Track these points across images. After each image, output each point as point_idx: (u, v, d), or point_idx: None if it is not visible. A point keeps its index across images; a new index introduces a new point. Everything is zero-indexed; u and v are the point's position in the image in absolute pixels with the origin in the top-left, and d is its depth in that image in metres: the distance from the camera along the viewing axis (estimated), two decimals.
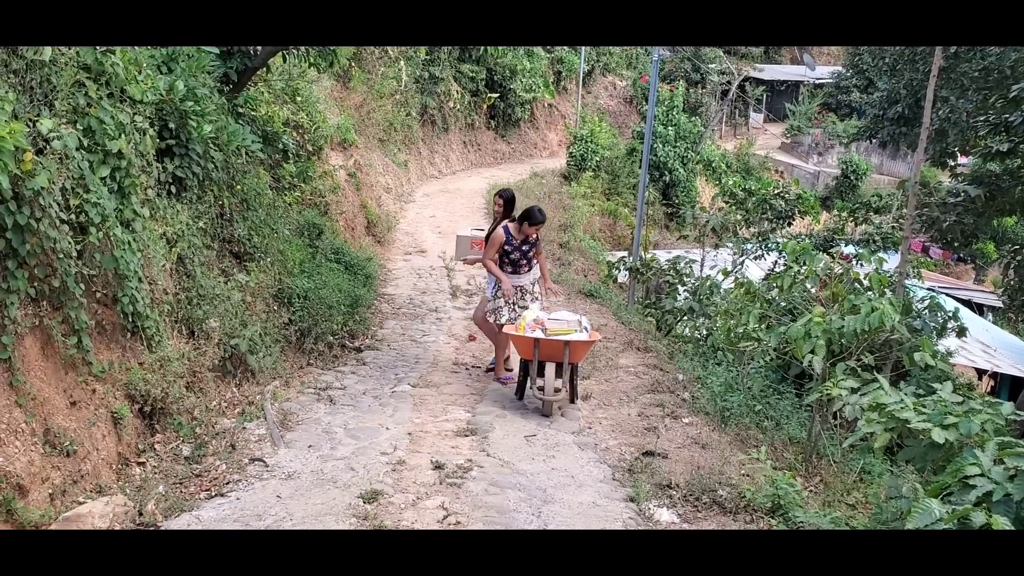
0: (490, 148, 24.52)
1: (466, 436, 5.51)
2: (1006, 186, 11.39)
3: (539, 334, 6.15)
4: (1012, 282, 13.64)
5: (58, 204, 4.06)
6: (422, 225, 15.95)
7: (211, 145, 6.28)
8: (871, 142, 18.24)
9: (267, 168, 9.66)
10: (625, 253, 13.13)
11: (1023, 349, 14.90)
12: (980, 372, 14.21)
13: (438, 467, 4.82)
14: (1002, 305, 15.87)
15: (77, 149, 4.18)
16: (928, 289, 13.46)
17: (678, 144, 22.48)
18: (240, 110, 8.39)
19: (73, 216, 4.26)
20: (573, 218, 17.76)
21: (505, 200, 7.15)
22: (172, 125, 5.80)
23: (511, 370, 7.19)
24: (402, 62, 18.96)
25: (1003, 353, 14.15)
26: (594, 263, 15.72)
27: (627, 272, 11.10)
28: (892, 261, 11.05)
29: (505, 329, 6.42)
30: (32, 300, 4.06)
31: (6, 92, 3.70)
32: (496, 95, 23.23)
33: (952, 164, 14.98)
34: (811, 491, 5.26)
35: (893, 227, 14.10)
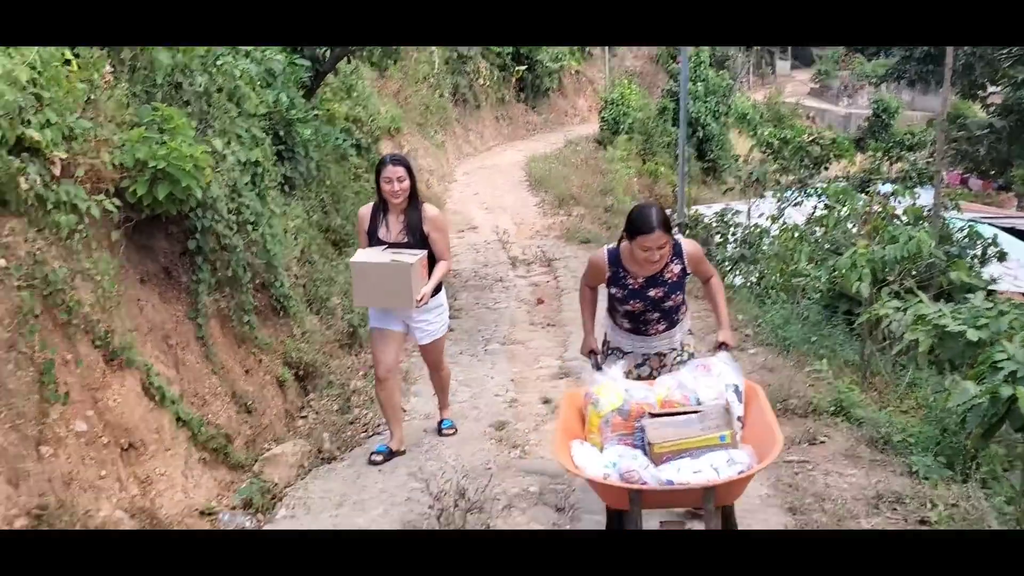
0: (522, 120, 25.13)
1: (562, 378, 6.34)
2: None
3: (639, 473, 2.94)
4: None
5: (227, 208, 4.96)
6: (468, 203, 16.71)
7: (310, 147, 7.17)
8: (900, 81, 18.56)
9: (336, 162, 10.56)
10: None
11: None
12: None
13: (547, 402, 5.68)
14: None
15: (238, 162, 5.08)
16: (969, 221, 13.90)
17: (708, 99, 22.91)
18: (316, 112, 9.26)
19: (233, 217, 5.16)
20: (613, 182, 18.41)
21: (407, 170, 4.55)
22: (281, 133, 6.68)
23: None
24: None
25: None
26: None
27: (676, 228, 11.80)
28: (929, 196, 11.55)
29: (575, 459, 3.09)
30: (213, 288, 4.98)
31: (184, 119, 4.57)
32: (524, 67, 23.79)
33: (983, 95, 15.34)
34: (868, 401, 6.03)
35: (928, 162, 14.55)
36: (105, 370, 3.90)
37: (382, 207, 4.57)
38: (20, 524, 3.30)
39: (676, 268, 3.74)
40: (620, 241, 3.72)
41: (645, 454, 3.09)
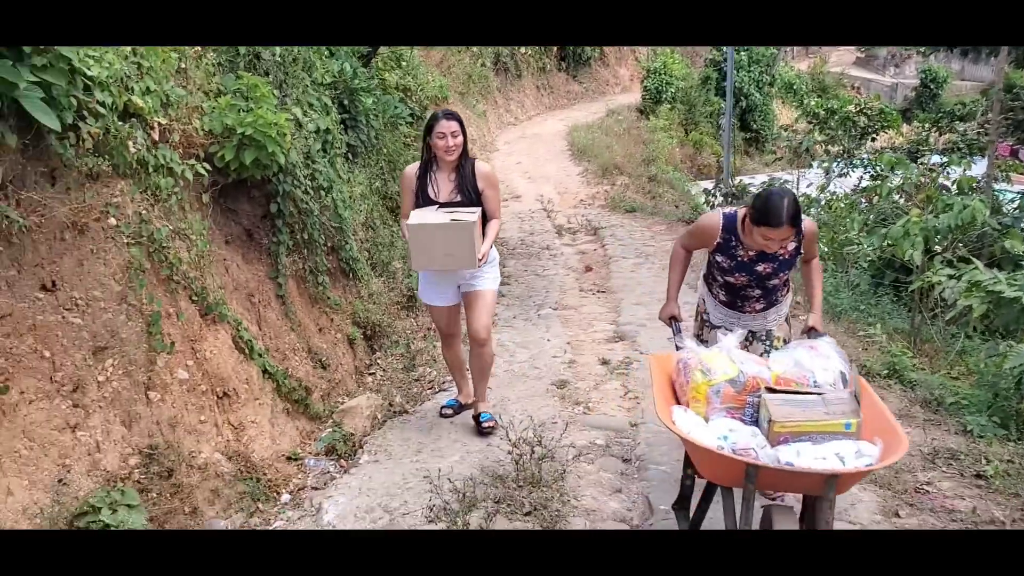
0: (563, 90, 25.12)
1: (617, 341, 6.54)
2: None
3: (756, 452, 2.78)
4: None
5: (303, 174, 5.20)
6: (510, 172, 16.84)
7: (371, 116, 7.38)
8: (952, 51, 18.21)
9: (389, 131, 10.79)
10: (710, 183, 13.84)
11: None
12: None
13: (604, 362, 5.89)
14: None
15: (315, 130, 5.31)
16: (1020, 192, 13.75)
17: (752, 68, 22.68)
18: (375, 81, 9.46)
19: (309, 183, 5.40)
20: (655, 152, 18.41)
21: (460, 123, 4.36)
22: (345, 102, 6.90)
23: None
24: None
25: None
26: (682, 193, 16.45)
27: (722, 198, 11.87)
28: (978, 167, 11.44)
29: (677, 425, 2.93)
30: (291, 250, 5.24)
31: (268, 88, 4.80)
32: None
33: None
34: (919, 367, 6.14)
35: (978, 133, 14.34)
36: (201, 324, 4.19)
37: (430, 166, 4.36)
38: (133, 462, 3.61)
39: (791, 246, 3.46)
40: (740, 209, 3.46)
41: (765, 428, 2.87)
